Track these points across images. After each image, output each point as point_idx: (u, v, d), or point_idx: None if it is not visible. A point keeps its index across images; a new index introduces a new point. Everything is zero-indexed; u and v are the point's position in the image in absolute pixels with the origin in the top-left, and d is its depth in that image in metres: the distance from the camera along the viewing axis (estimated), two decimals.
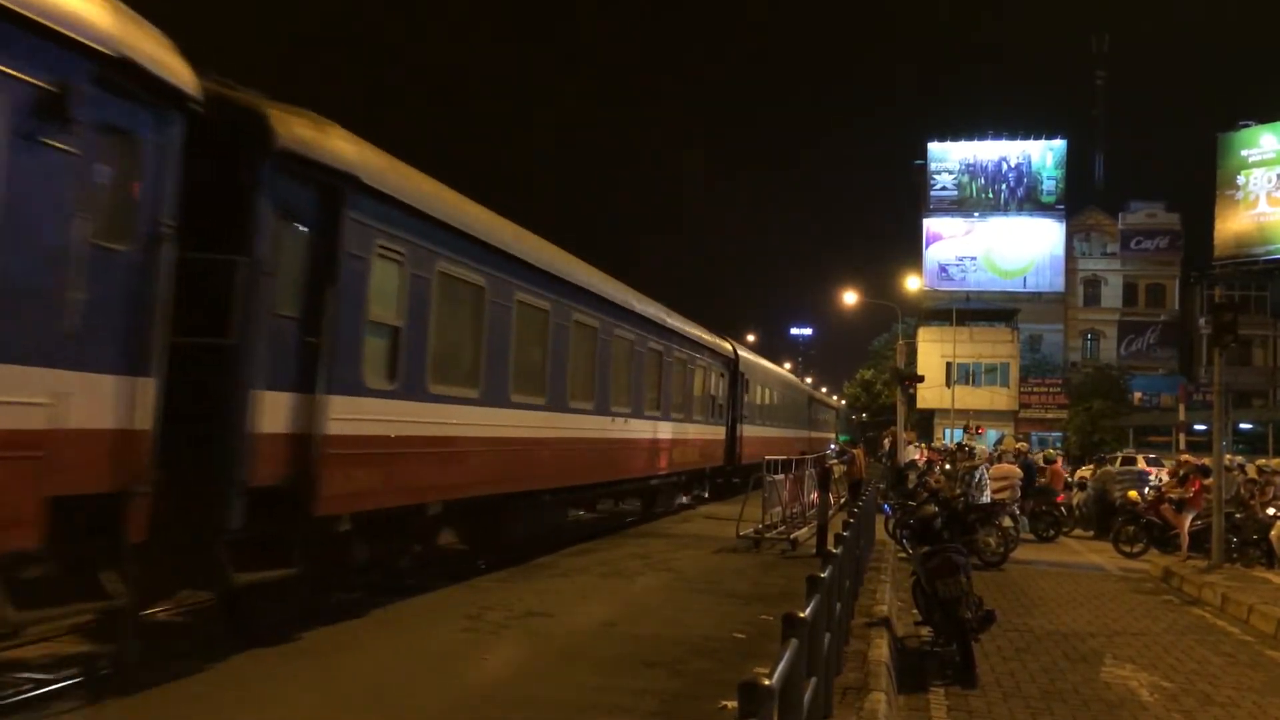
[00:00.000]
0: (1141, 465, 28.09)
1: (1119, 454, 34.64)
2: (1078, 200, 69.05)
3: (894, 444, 28.50)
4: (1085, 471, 26.92)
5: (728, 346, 24.60)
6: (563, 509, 14.62)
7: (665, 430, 18.50)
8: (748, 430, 25.58)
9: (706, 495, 23.49)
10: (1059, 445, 51.16)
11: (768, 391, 29.96)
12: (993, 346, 60.71)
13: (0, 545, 4.96)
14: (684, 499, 22.19)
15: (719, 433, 23.22)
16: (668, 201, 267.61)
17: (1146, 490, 18.93)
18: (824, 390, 79.15)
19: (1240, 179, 62.25)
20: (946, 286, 66.34)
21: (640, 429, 16.93)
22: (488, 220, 10.97)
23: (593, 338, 14.40)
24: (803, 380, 56.55)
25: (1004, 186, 68.43)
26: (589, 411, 14.26)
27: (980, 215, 68.16)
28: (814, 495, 17.48)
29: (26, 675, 6.63)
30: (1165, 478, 20.00)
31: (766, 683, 2.86)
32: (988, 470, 16.77)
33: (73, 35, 5.20)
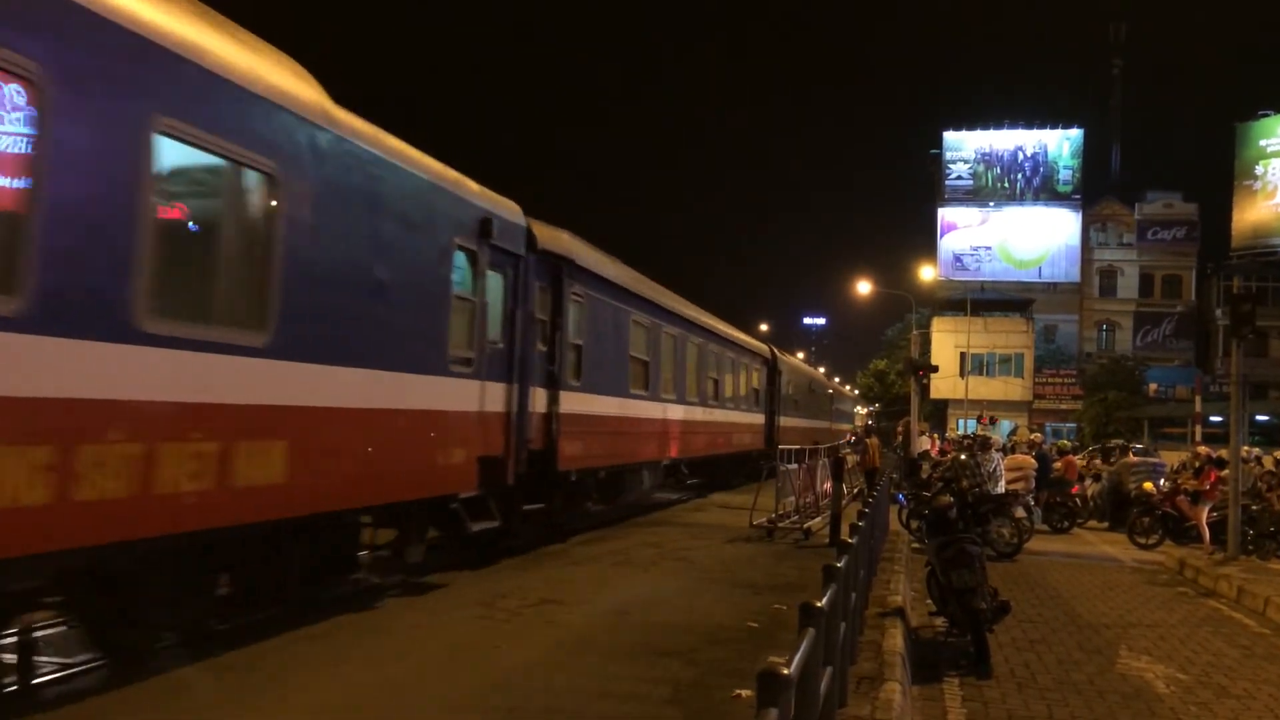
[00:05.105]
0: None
1: (1114, 445, 34.16)
2: (1094, 190, 68.70)
3: (907, 434, 28.43)
4: (1080, 461, 26.65)
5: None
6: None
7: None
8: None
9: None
10: (1072, 437, 50.96)
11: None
12: (1007, 337, 60.48)
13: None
14: None
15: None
16: (680, 189, 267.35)
17: (1162, 482, 18.86)
18: (837, 380, 78.96)
19: (1259, 169, 61.78)
20: (961, 276, 66.05)
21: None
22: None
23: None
24: (816, 369, 56.52)
25: (1020, 176, 68.06)
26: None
27: (995, 205, 67.84)
28: (827, 485, 17.46)
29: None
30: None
31: (785, 672, 2.85)
32: (1003, 460, 16.70)
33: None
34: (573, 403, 12.63)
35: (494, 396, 10.16)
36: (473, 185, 9.95)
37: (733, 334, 24.13)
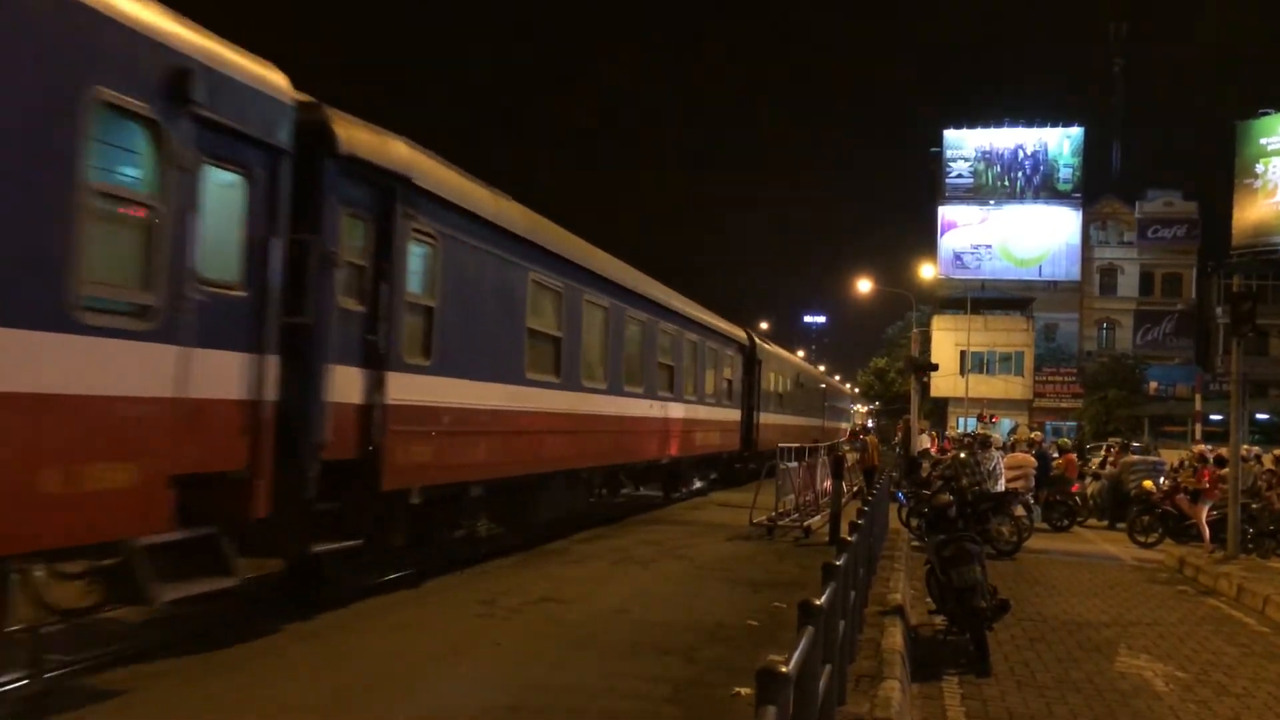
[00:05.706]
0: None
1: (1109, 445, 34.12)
2: (1094, 188, 68.53)
3: (907, 433, 28.45)
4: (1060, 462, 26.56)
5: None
6: None
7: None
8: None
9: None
10: (1073, 435, 50.95)
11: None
12: (1007, 335, 60.43)
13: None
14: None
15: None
16: (680, 187, 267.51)
17: (1162, 480, 18.87)
18: (836, 378, 78.95)
19: (1259, 167, 61.69)
20: (961, 275, 65.92)
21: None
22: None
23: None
24: (816, 367, 56.50)
25: (1020, 174, 67.96)
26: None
27: (996, 203, 67.75)
28: (827, 483, 17.48)
29: None
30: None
31: (784, 669, 2.86)
32: (1002, 458, 16.71)
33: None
34: (415, 390, 8.70)
35: (217, 374, 6.30)
36: (154, 10, 5.78)
37: (696, 313, 20.30)
